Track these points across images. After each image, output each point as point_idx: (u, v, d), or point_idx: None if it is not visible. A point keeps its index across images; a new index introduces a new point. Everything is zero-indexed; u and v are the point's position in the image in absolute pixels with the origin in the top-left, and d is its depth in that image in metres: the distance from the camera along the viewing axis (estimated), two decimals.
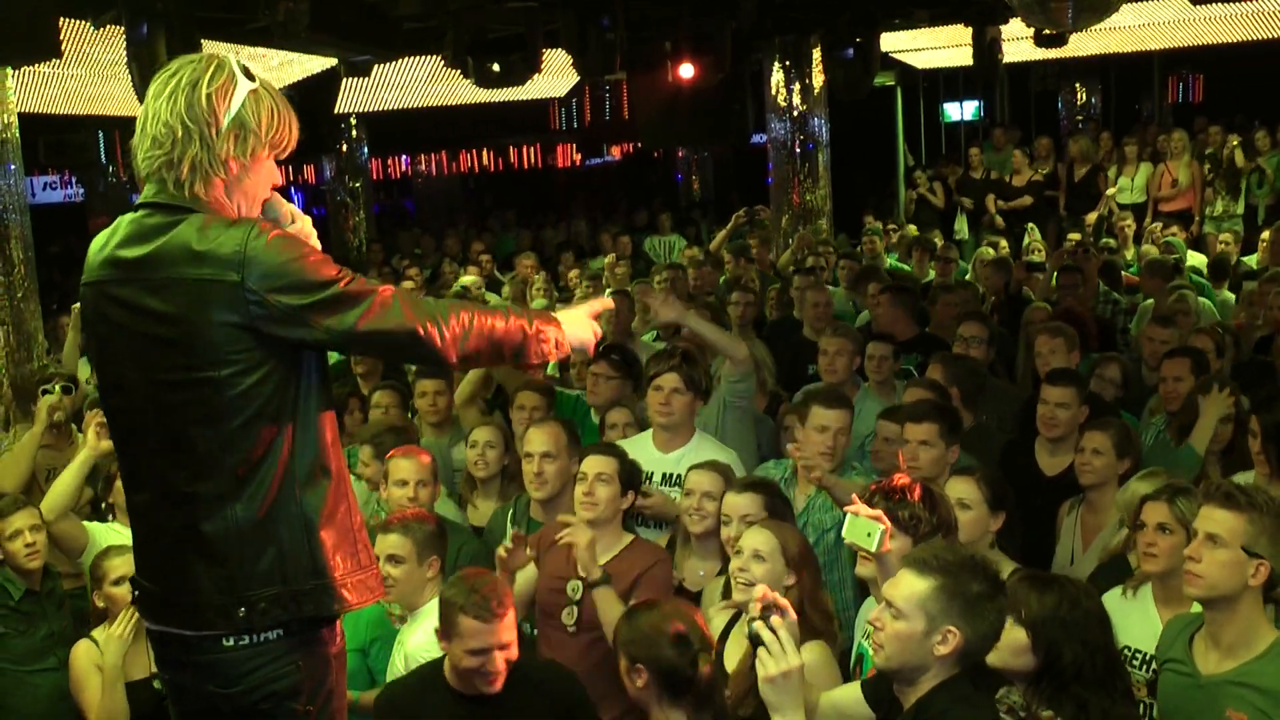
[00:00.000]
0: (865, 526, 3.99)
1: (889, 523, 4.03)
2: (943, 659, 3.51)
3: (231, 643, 3.15)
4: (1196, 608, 4.04)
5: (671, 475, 5.82)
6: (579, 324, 3.52)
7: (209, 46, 9.50)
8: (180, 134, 3.10)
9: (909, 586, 3.54)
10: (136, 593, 3.37)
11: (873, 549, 3.95)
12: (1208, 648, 3.87)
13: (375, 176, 22.97)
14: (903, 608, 3.53)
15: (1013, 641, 3.72)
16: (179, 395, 3.13)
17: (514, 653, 4.36)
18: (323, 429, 3.27)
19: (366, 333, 3.15)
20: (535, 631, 5.31)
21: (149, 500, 3.26)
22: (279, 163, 3.37)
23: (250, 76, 3.22)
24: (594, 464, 5.11)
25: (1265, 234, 12.68)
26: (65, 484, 5.78)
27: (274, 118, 3.23)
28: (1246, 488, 3.99)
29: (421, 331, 3.16)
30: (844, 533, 4.06)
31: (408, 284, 12.54)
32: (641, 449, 5.83)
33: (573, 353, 3.53)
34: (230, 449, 3.13)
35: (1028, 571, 4.19)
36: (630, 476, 5.04)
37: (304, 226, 3.47)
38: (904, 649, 3.54)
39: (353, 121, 18.00)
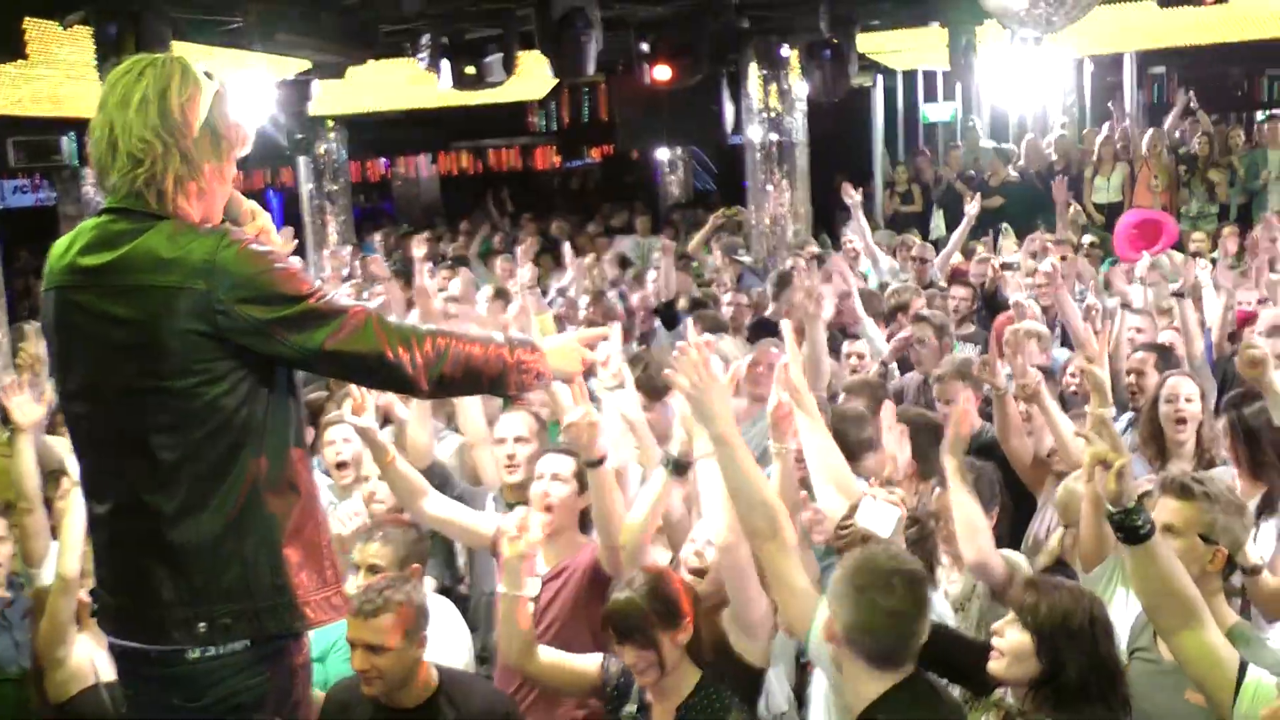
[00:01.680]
0: (880, 511, 4.01)
1: (904, 509, 4.10)
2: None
3: (196, 654, 3.11)
4: None
5: None
6: (564, 355, 3.52)
7: (179, 48, 9.45)
8: (160, 149, 3.08)
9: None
10: (96, 605, 3.33)
11: (887, 535, 4.00)
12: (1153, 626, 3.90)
13: (354, 179, 22.88)
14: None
15: (1017, 645, 3.70)
16: (141, 404, 3.09)
17: (385, 662, 4.28)
18: (291, 444, 3.23)
19: (334, 353, 3.11)
20: None
21: (110, 510, 3.21)
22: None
23: (209, 76, 3.18)
24: (550, 463, 5.05)
25: (1226, 230, 12.70)
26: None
27: (233, 116, 3.21)
28: (1201, 477, 4.14)
29: (391, 355, 3.14)
30: (857, 517, 4.08)
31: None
32: None
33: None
34: (193, 460, 3.09)
35: (1035, 576, 4.18)
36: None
37: (264, 223, 3.45)
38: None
39: (330, 124, 17.93)
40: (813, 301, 6.71)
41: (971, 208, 12.23)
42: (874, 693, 3.56)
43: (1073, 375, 7.04)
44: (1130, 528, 3.52)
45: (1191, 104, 17.31)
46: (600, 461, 4.62)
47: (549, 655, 4.51)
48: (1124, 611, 4.32)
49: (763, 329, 8.93)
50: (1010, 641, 3.71)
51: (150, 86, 3.10)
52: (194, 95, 3.12)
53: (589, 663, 4.52)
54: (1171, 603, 3.59)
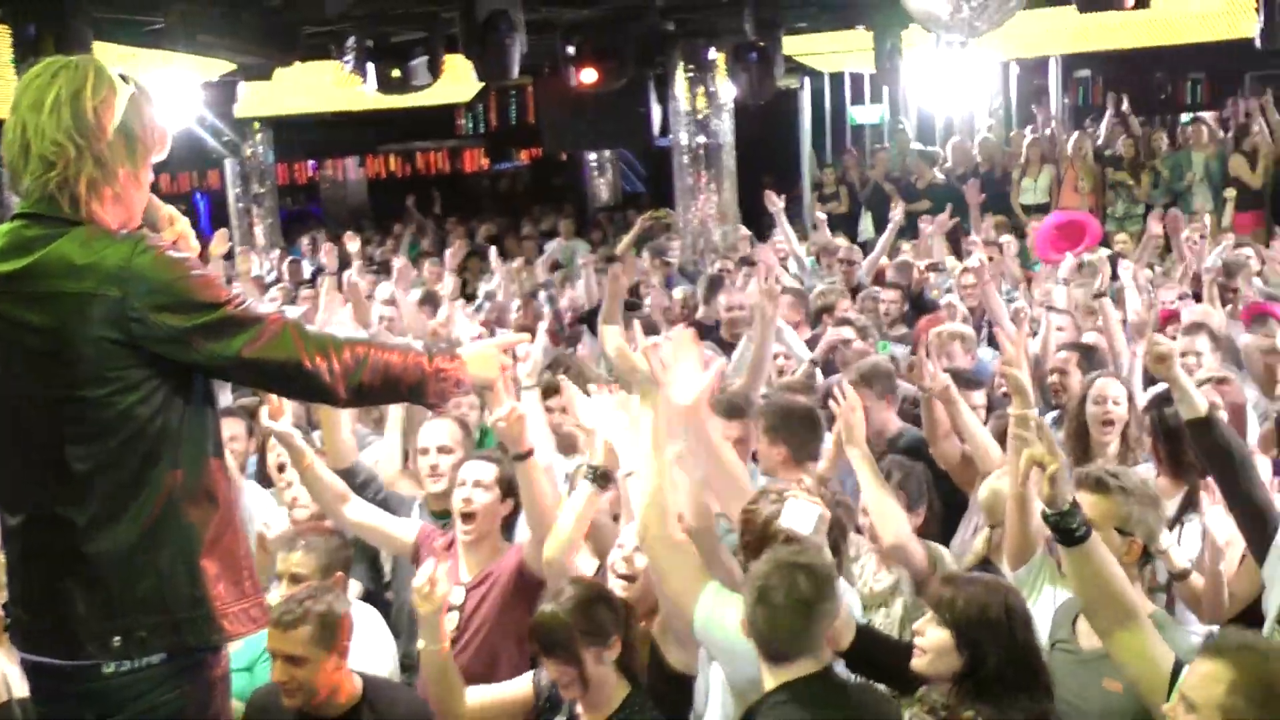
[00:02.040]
0: (802, 510, 4.02)
1: (827, 509, 4.10)
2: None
3: (111, 669, 3.06)
4: None
5: (568, 474, 5.83)
6: (483, 362, 3.51)
7: (100, 49, 9.34)
8: (73, 153, 3.01)
9: None
10: (9, 620, 3.26)
11: (808, 533, 3.99)
12: (1090, 625, 3.94)
13: (281, 181, 22.72)
14: None
15: (938, 642, 3.73)
16: (55, 413, 3.04)
17: (304, 674, 4.24)
18: (208, 454, 3.19)
19: (251, 361, 3.08)
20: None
21: (23, 522, 3.15)
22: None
23: (125, 80, 3.13)
24: (472, 470, 5.01)
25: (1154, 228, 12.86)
26: None
27: (153, 120, 3.16)
28: (1116, 471, 4.21)
29: (309, 364, 3.11)
30: (782, 519, 4.08)
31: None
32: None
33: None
34: (107, 470, 3.04)
35: (952, 572, 4.21)
36: (510, 484, 4.93)
37: (182, 228, 3.42)
38: None
39: (256, 126, 17.80)
40: (770, 302, 6.72)
41: (895, 214, 12.33)
42: (768, 687, 3.60)
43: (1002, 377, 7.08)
44: (1065, 530, 3.57)
45: (1123, 108, 17.54)
46: (528, 454, 4.60)
47: (478, 696, 4.48)
48: (1051, 608, 4.36)
49: (696, 332, 8.92)
50: (931, 639, 3.74)
51: (63, 89, 3.04)
52: (108, 98, 3.07)
53: (520, 686, 4.50)
54: (1107, 603, 3.64)
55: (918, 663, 3.77)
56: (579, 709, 4.22)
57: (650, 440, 4.11)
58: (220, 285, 3.11)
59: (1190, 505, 5.22)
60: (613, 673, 4.14)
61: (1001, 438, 5.07)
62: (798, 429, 5.66)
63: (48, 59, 3.15)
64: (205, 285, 3.05)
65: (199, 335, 3.02)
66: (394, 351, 3.26)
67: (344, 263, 11.36)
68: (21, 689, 5.04)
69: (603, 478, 4.54)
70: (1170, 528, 5.01)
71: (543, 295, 10.80)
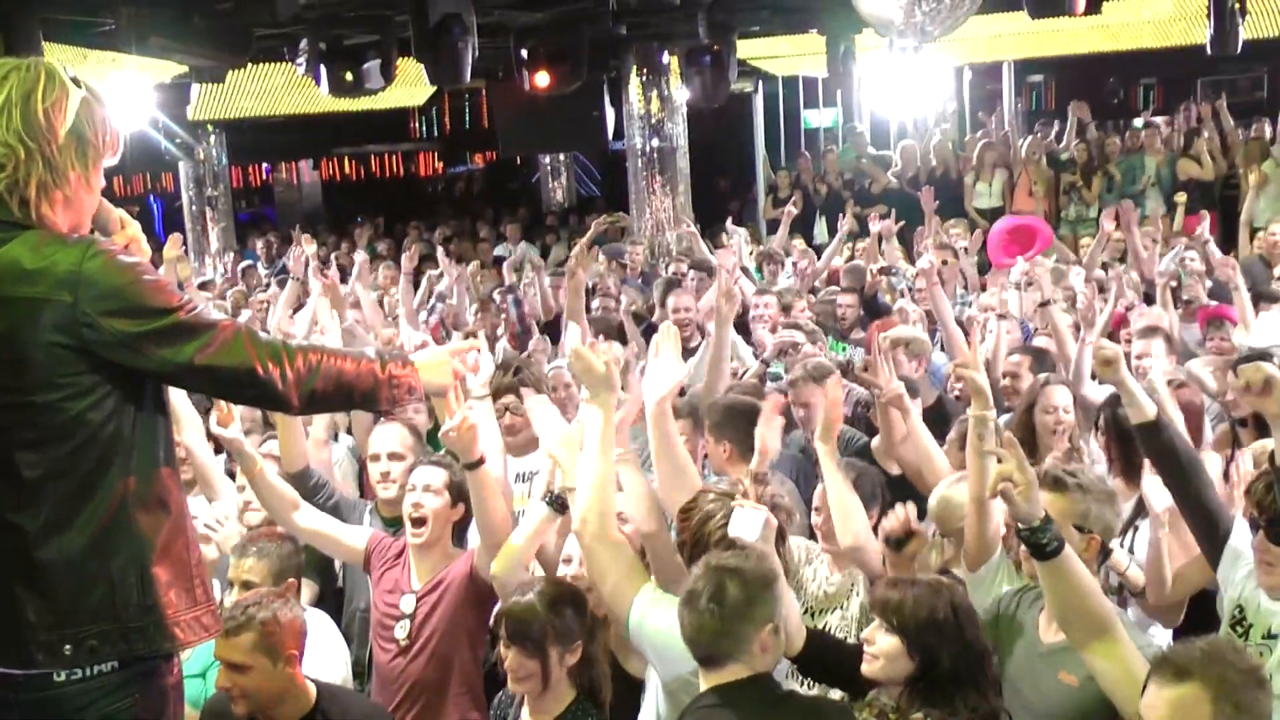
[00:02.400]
0: (747, 517, 4.04)
1: (772, 516, 4.09)
2: None
3: (63, 677, 3.02)
4: None
5: (525, 474, 5.95)
6: (436, 369, 3.49)
7: (51, 50, 9.28)
8: (23, 155, 2.97)
9: None
10: None
11: (754, 539, 3.99)
12: (1050, 619, 3.98)
13: (235, 184, 22.61)
14: None
15: (888, 648, 3.74)
16: (5, 419, 2.99)
17: (247, 681, 4.20)
18: (160, 460, 3.15)
19: (203, 367, 3.04)
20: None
21: None
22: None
23: (77, 83, 3.10)
24: (422, 475, 5.00)
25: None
26: None
27: (105, 124, 3.12)
28: (1073, 469, 4.31)
29: (261, 371, 3.07)
30: (730, 529, 4.08)
31: None
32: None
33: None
34: (59, 477, 3.00)
35: (894, 576, 4.23)
36: (460, 489, 4.92)
37: (134, 232, 3.39)
38: None
39: (210, 129, 17.71)
40: (728, 303, 6.77)
41: (844, 225, 12.41)
42: (702, 689, 3.60)
43: (956, 380, 7.11)
44: (1036, 545, 3.57)
45: (1083, 119, 17.65)
46: (479, 463, 4.58)
47: None
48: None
49: (653, 334, 8.92)
50: (882, 645, 3.76)
51: (14, 90, 3.00)
52: (60, 100, 3.03)
53: None
54: (1082, 615, 3.66)
55: (869, 669, 3.78)
56: (525, 712, 4.23)
57: (598, 441, 4.13)
58: (172, 291, 3.07)
59: (1144, 510, 5.25)
60: (565, 677, 4.15)
61: (963, 443, 5.07)
62: (741, 426, 5.70)
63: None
64: (157, 290, 3.02)
65: (150, 341, 2.98)
66: (347, 359, 3.24)
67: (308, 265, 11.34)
68: None
69: (559, 503, 4.52)
70: (1123, 532, 5.05)
71: (510, 298, 10.77)
